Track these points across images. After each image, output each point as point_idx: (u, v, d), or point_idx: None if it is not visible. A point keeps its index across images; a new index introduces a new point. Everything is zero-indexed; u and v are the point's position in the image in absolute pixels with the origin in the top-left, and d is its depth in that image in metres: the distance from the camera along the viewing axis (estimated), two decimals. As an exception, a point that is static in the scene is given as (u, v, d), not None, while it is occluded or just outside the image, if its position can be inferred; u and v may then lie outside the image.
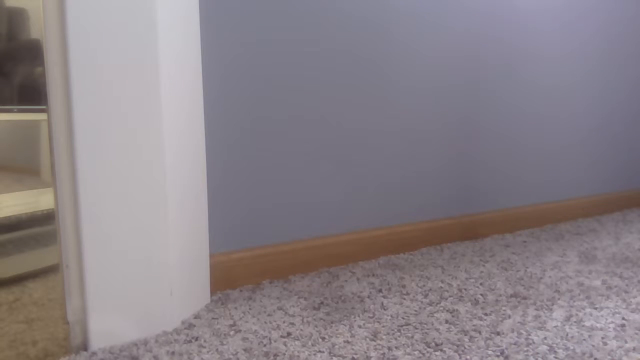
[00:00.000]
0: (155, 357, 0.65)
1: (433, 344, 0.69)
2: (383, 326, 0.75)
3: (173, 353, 0.66)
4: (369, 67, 1.04)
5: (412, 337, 0.71)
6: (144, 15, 0.66)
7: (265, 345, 0.69)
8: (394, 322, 0.76)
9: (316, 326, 0.75)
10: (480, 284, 0.93)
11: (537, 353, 0.66)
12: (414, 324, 0.75)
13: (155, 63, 0.68)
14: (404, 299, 0.85)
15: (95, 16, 0.63)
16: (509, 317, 0.78)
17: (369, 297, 0.86)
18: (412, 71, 1.10)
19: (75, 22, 0.62)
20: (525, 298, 0.85)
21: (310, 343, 0.69)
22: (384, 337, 0.71)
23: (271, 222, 0.96)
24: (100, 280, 0.67)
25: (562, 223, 1.44)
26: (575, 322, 0.76)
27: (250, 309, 0.81)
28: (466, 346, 0.68)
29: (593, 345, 0.68)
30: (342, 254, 1.04)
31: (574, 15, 1.41)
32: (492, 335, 0.72)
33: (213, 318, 0.78)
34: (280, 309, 0.81)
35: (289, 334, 0.72)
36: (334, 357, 0.65)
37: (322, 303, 0.83)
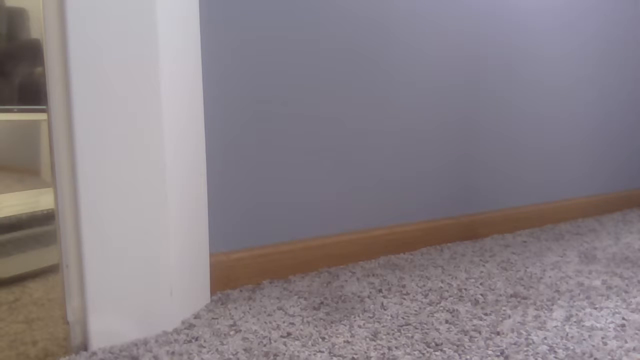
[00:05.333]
0: (155, 357, 0.65)
1: (433, 344, 0.69)
2: (383, 326, 0.75)
3: (173, 353, 0.66)
4: (369, 66, 1.04)
5: (412, 337, 0.71)
6: (144, 15, 0.66)
7: (265, 345, 0.69)
8: (394, 322, 0.76)
9: (316, 326, 0.75)
10: (480, 284, 0.93)
11: (537, 353, 0.66)
12: (414, 324, 0.75)
13: (155, 62, 0.68)
14: (404, 299, 0.85)
15: (95, 16, 0.63)
16: (509, 317, 0.78)
17: (369, 297, 0.86)
18: (412, 70, 1.10)
19: (75, 22, 0.62)
20: (525, 298, 0.85)
21: (310, 343, 0.69)
22: (384, 337, 0.71)
23: (271, 221, 0.96)
24: (100, 280, 0.67)
25: (562, 223, 1.44)
26: (575, 322, 0.76)
27: (250, 309, 0.81)
28: (466, 346, 0.68)
29: (593, 345, 0.68)
30: (342, 254, 1.04)
31: (574, 15, 1.41)
32: (492, 335, 0.72)
33: (213, 318, 0.78)
34: (280, 309, 0.81)
35: (289, 334, 0.72)
36: (334, 357, 0.65)
37: (322, 303, 0.83)
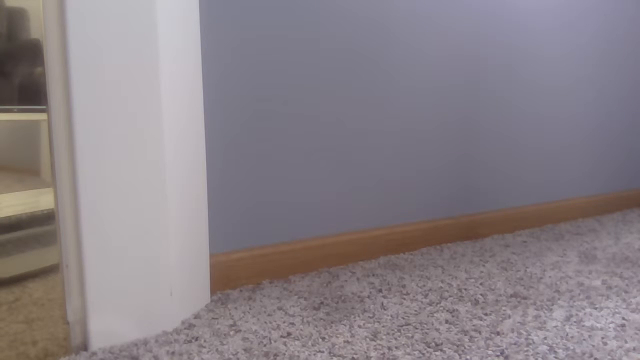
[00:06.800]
0: (155, 357, 0.65)
1: (433, 344, 0.69)
2: (383, 326, 0.75)
3: (173, 353, 0.66)
4: (369, 66, 1.04)
5: (412, 337, 0.71)
6: (144, 15, 0.66)
7: (265, 345, 0.69)
8: (394, 322, 0.76)
9: (316, 326, 0.75)
10: (480, 284, 0.93)
11: (537, 353, 0.66)
12: (414, 324, 0.75)
13: (155, 62, 0.68)
14: (404, 299, 0.85)
15: (95, 16, 0.63)
16: (509, 317, 0.78)
17: (369, 297, 0.86)
18: (412, 70, 1.10)
19: (75, 22, 0.62)
20: (525, 298, 0.85)
21: (310, 343, 0.69)
22: (384, 337, 0.71)
23: (271, 221, 0.96)
24: (100, 280, 0.67)
25: (562, 223, 1.44)
26: (575, 322, 0.76)
27: (250, 309, 0.81)
28: (466, 346, 0.68)
29: (593, 345, 0.68)
30: (342, 254, 1.04)
31: (574, 15, 1.41)
32: (492, 335, 0.72)
33: (213, 318, 0.78)
34: (280, 309, 0.81)
35: (289, 334, 0.72)
36: (334, 357, 0.65)
37: (322, 303, 0.83)
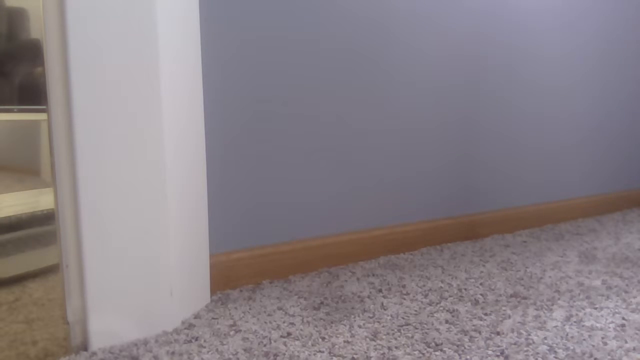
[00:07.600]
0: (155, 357, 0.65)
1: (433, 344, 0.69)
2: (383, 326, 0.75)
3: (173, 353, 0.66)
4: (369, 66, 1.04)
5: (412, 337, 0.71)
6: (144, 15, 0.66)
7: (265, 345, 0.69)
8: (394, 322, 0.76)
9: (316, 326, 0.75)
10: (480, 284, 0.93)
11: (537, 353, 0.66)
12: (414, 324, 0.75)
13: (155, 62, 0.68)
14: (404, 299, 0.85)
15: (95, 16, 0.63)
16: (509, 317, 0.78)
17: (369, 297, 0.86)
18: (412, 70, 1.10)
19: (75, 22, 0.62)
20: (525, 298, 0.85)
21: (310, 343, 0.69)
22: (384, 337, 0.71)
23: (271, 221, 0.96)
24: (100, 280, 0.67)
25: (562, 223, 1.44)
26: (575, 322, 0.76)
27: (250, 309, 0.81)
28: (466, 346, 0.68)
29: (593, 345, 0.68)
30: (342, 254, 1.04)
31: (574, 15, 1.41)
32: (492, 335, 0.72)
33: (213, 318, 0.78)
34: (280, 309, 0.81)
35: (289, 334, 0.72)
36: (334, 357, 0.65)
37: (322, 303, 0.83)
